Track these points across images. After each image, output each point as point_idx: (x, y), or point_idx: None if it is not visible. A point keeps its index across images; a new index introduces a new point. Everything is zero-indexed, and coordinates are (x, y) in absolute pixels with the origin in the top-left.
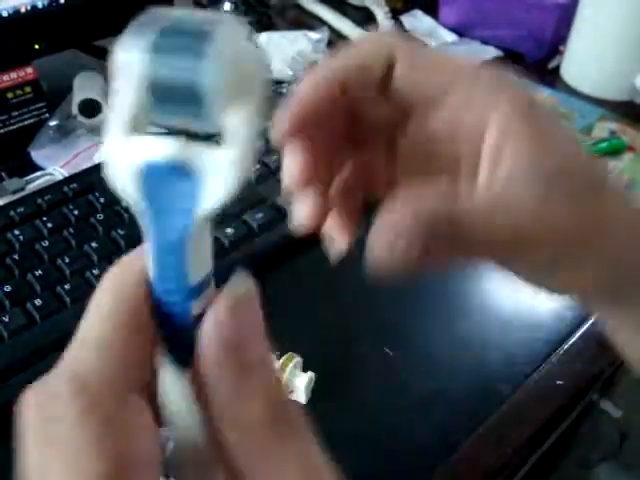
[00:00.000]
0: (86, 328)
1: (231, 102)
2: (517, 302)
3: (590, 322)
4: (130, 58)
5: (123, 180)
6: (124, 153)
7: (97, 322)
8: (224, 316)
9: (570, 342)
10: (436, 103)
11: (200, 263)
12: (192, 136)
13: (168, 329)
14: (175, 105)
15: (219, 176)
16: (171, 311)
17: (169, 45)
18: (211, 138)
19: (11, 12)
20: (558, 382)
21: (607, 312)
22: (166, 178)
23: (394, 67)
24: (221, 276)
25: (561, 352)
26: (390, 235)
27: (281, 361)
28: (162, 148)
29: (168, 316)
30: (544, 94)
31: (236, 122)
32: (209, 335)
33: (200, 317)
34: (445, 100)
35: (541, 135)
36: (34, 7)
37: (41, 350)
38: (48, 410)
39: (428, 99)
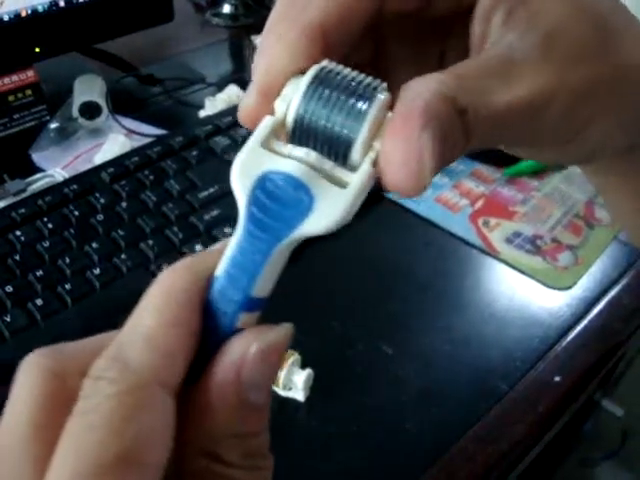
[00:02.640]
0: (137, 318)
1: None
2: (514, 299)
3: (587, 319)
4: (296, 86)
5: (241, 180)
6: (254, 158)
7: (147, 314)
8: (254, 355)
9: (567, 339)
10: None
11: (267, 281)
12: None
13: (207, 328)
14: (315, 143)
15: (328, 208)
16: (219, 315)
17: (334, 93)
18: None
19: (12, 16)
20: (555, 379)
21: (620, 181)
22: (281, 189)
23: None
24: None
25: (558, 349)
26: (404, 147)
27: None
28: (288, 165)
29: (213, 318)
30: None
31: (359, 171)
32: (227, 365)
33: (238, 331)
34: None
35: None
36: (34, 11)
37: None
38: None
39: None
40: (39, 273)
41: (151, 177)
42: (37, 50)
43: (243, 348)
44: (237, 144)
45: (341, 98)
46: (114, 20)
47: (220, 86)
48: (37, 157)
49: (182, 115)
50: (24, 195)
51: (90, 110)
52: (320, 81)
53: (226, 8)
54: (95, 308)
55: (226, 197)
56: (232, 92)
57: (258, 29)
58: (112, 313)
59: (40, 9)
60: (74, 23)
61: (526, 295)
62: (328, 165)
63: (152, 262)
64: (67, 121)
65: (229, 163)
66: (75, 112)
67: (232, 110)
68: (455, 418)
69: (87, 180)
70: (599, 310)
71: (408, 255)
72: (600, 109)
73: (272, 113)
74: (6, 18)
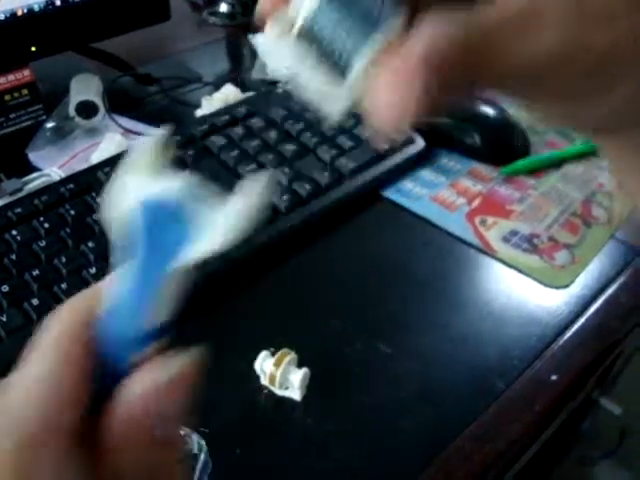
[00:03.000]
0: (23, 366)
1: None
2: (511, 297)
3: (585, 317)
4: None
5: (121, 210)
6: (132, 185)
7: (31, 364)
8: (153, 391)
9: (565, 337)
10: None
11: (159, 309)
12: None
13: (103, 367)
14: (318, 49)
15: (213, 230)
16: (114, 351)
17: (347, 8)
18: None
19: (8, 15)
20: (553, 377)
21: (631, 148)
22: (163, 216)
23: None
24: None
25: (555, 347)
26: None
27: (276, 357)
28: (171, 189)
29: (107, 357)
30: None
31: (246, 188)
32: (131, 402)
33: (135, 366)
34: None
35: None
36: (30, 10)
37: None
38: None
39: None
40: (35, 273)
41: None
42: (33, 49)
43: (147, 380)
44: (234, 143)
45: (353, 13)
46: (110, 19)
47: (217, 85)
48: (34, 156)
49: (179, 114)
50: (20, 194)
51: (87, 109)
52: None
53: (223, 7)
54: None
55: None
56: (229, 91)
57: (255, 28)
58: None
59: (36, 8)
60: (70, 22)
61: (523, 294)
62: (323, 69)
63: None
64: (63, 120)
65: (225, 163)
66: (72, 111)
67: (229, 109)
68: (452, 417)
69: (83, 179)
70: (596, 308)
71: (405, 254)
72: (624, 73)
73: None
74: (2, 17)
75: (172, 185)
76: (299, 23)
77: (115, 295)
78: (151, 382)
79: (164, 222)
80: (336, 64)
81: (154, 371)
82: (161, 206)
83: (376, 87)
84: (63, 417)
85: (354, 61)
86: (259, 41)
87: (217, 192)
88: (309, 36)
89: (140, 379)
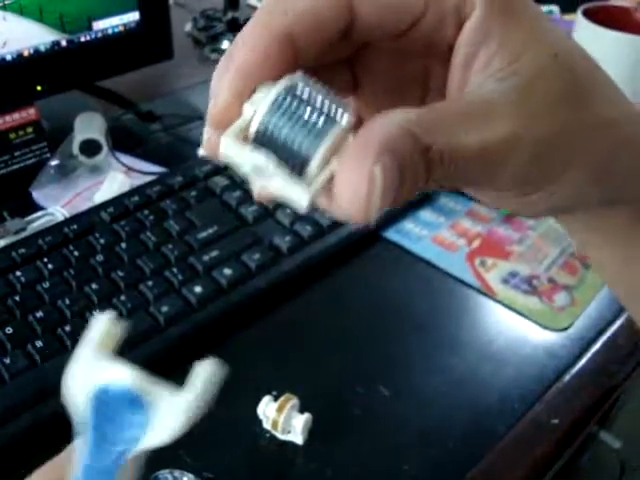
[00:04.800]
0: None
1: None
2: (511, 339)
3: (583, 361)
4: (264, 95)
5: (77, 397)
6: (89, 369)
7: None
8: None
9: (564, 381)
10: (404, 28)
11: None
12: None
13: None
14: (274, 151)
15: (168, 418)
16: None
17: (300, 108)
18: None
19: (15, 55)
20: (553, 421)
21: (601, 238)
22: (117, 405)
23: (355, 14)
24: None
25: (555, 390)
26: (357, 184)
27: (279, 402)
28: (124, 376)
29: None
30: None
31: (196, 375)
32: None
33: None
34: (418, 23)
35: (517, 35)
36: (37, 50)
37: (42, 392)
38: None
39: (395, 29)
40: (39, 314)
41: (151, 217)
42: (39, 88)
43: None
44: (236, 184)
45: (307, 113)
46: (115, 58)
47: None
48: (37, 195)
49: (181, 152)
50: (24, 234)
51: (90, 147)
52: (290, 92)
53: (225, 44)
54: None
55: (225, 238)
56: None
57: None
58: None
59: (42, 49)
60: (75, 62)
61: (523, 336)
62: (285, 173)
63: (151, 304)
64: (67, 158)
65: (228, 204)
66: (75, 149)
67: None
68: (453, 460)
69: (87, 220)
70: (595, 351)
71: (405, 295)
72: (569, 160)
73: (239, 115)
74: (9, 58)
75: (124, 372)
76: (254, 127)
77: (76, 473)
78: None
79: (116, 410)
80: (294, 162)
81: None
82: (113, 394)
83: (337, 184)
84: None
85: (312, 158)
86: (221, 146)
87: (163, 381)
88: (265, 138)
89: None
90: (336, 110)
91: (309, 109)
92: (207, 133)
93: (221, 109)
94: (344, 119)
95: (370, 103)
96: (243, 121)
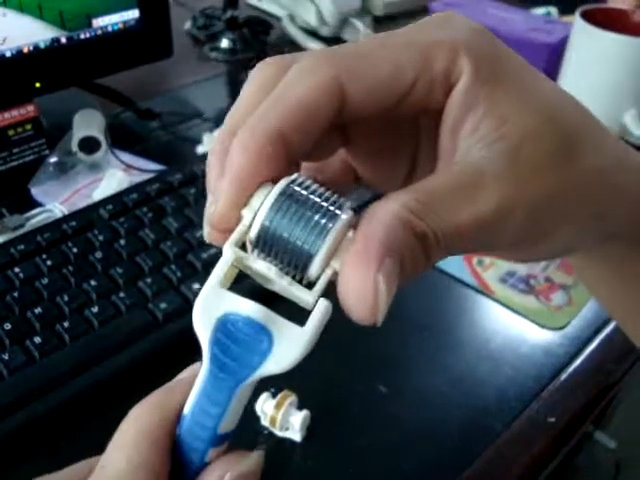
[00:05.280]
0: (108, 459)
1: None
2: (508, 338)
3: (580, 359)
4: (262, 200)
5: (202, 322)
6: (214, 299)
7: (118, 455)
8: None
9: (561, 379)
10: (395, 101)
11: (232, 418)
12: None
13: (178, 464)
14: (277, 255)
15: (287, 349)
16: (188, 451)
17: (299, 209)
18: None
19: (14, 52)
20: (550, 419)
21: (598, 271)
22: (241, 331)
23: (345, 96)
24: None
25: (552, 389)
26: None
27: (277, 399)
28: (248, 306)
29: (183, 454)
30: None
31: (314, 313)
32: None
33: (207, 464)
34: (408, 94)
35: (504, 100)
36: (36, 47)
37: (41, 388)
38: None
39: (386, 103)
40: (37, 310)
41: (149, 214)
42: (38, 85)
43: (216, 479)
44: None
45: (305, 215)
46: (114, 56)
47: (218, 121)
48: (36, 191)
49: (180, 150)
50: (23, 230)
51: (89, 145)
52: (287, 196)
53: (224, 42)
54: (93, 346)
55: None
56: None
57: (256, 64)
58: (110, 351)
59: (42, 45)
60: (75, 59)
61: (520, 335)
62: (285, 281)
63: (150, 300)
64: (66, 155)
65: None
66: (74, 146)
67: None
68: (451, 458)
69: (86, 217)
70: (592, 350)
71: (403, 295)
72: (563, 215)
73: (239, 222)
74: (8, 54)
75: (248, 303)
76: (254, 232)
77: (194, 397)
78: (221, 479)
79: (239, 338)
80: (297, 262)
81: (225, 468)
82: (238, 323)
83: (341, 288)
84: None
85: (313, 260)
86: (224, 254)
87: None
88: (266, 241)
89: (210, 477)
90: (334, 207)
91: (307, 209)
92: (207, 228)
93: (220, 217)
94: (342, 216)
95: (361, 157)
96: (243, 227)
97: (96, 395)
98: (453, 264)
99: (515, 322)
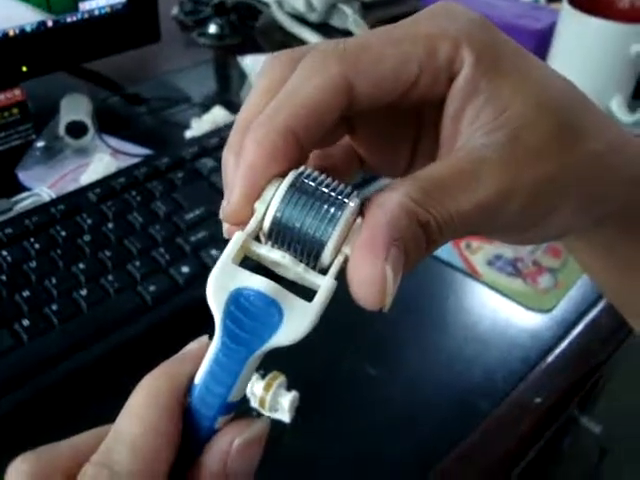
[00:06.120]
0: (122, 424)
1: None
2: (496, 321)
3: (567, 341)
4: (273, 192)
5: (216, 296)
6: (227, 274)
7: (132, 421)
8: (237, 448)
9: (547, 361)
10: (401, 93)
11: (242, 387)
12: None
13: (188, 431)
14: (289, 244)
15: (297, 322)
16: (198, 419)
17: (309, 199)
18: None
19: (0, 36)
20: (536, 400)
21: (589, 250)
22: (254, 305)
23: (353, 91)
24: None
25: (538, 370)
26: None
27: (266, 380)
28: (259, 282)
29: (193, 422)
30: None
31: (321, 290)
32: (218, 457)
33: (217, 431)
34: (414, 86)
35: (504, 89)
36: (22, 30)
37: (29, 371)
38: None
39: (392, 96)
40: (26, 294)
41: (138, 198)
42: (24, 69)
43: (227, 443)
44: None
45: (315, 205)
46: (101, 40)
47: (205, 106)
48: (23, 176)
49: (168, 135)
50: (10, 214)
51: (76, 129)
52: (296, 188)
53: (212, 28)
54: (82, 329)
55: (212, 219)
56: (218, 113)
57: (244, 49)
58: (99, 334)
59: (28, 29)
60: (61, 43)
61: (507, 317)
62: (300, 267)
63: (139, 283)
64: (53, 140)
65: (215, 185)
66: (61, 131)
67: (218, 132)
68: (438, 438)
69: (74, 200)
70: (578, 332)
71: None
72: (560, 198)
73: (252, 214)
74: None
75: (260, 279)
76: (267, 224)
77: (206, 366)
78: (232, 442)
79: (251, 311)
80: (309, 250)
81: (234, 433)
82: (250, 297)
83: (351, 276)
84: (162, 471)
85: (325, 246)
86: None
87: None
88: (279, 232)
89: (222, 440)
90: (342, 196)
91: (316, 200)
92: (225, 225)
93: (234, 210)
94: (350, 204)
95: (365, 144)
96: (256, 220)
97: (85, 378)
98: (442, 247)
99: (502, 305)
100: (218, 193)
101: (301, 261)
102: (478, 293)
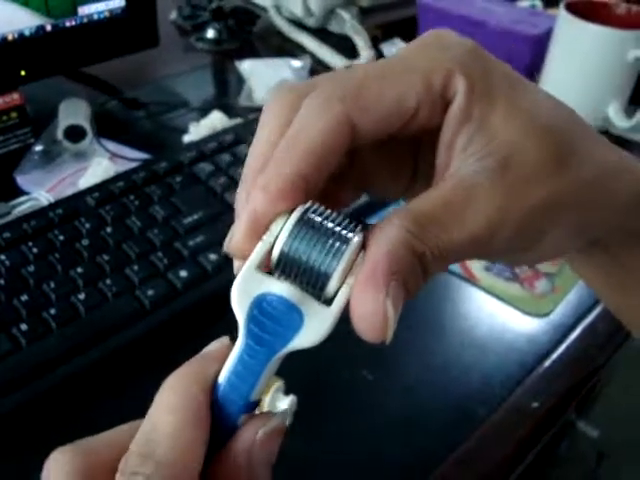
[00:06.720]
0: (158, 418)
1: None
2: (493, 325)
3: (564, 346)
4: (282, 227)
5: (240, 301)
6: (250, 281)
7: (168, 415)
8: (261, 439)
9: (545, 365)
10: (401, 126)
11: (262, 386)
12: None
13: (213, 429)
14: (297, 275)
15: (317, 326)
16: (222, 417)
17: (315, 233)
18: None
19: None
20: (533, 404)
21: (584, 270)
22: (276, 309)
23: (355, 129)
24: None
25: (536, 375)
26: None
27: None
28: (281, 288)
29: (217, 420)
30: None
31: (340, 293)
32: (243, 447)
33: (238, 427)
34: (413, 117)
35: (495, 117)
36: (21, 35)
37: (27, 375)
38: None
39: (393, 129)
40: (24, 298)
41: (136, 202)
42: (23, 73)
43: (252, 435)
44: (221, 171)
45: (320, 239)
46: (100, 44)
47: (204, 110)
48: (21, 180)
49: (166, 139)
50: (9, 218)
51: (75, 133)
52: (303, 223)
53: (210, 33)
54: (80, 333)
55: (210, 223)
56: (216, 118)
57: (242, 54)
58: (97, 338)
59: (27, 33)
60: (60, 47)
61: (505, 322)
62: (307, 297)
63: (137, 287)
64: (52, 144)
65: (213, 190)
66: (60, 135)
67: (216, 136)
68: (435, 443)
69: (72, 204)
70: (575, 337)
71: None
72: (551, 225)
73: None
74: None
75: (281, 284)
76: (275, 256)
77: (230, 366)
78: (256, 434)
79: (273, 314)
80: (315, 282)
81: (258, 425)
82: (272, 301)
83: (353, 310)
84: (198, 462)
85: (330, 279)
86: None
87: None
88: (286, 264)
89: (247, 431)
90: (346, 231)
91: (322, 234)
92: (235, 262)
93: (237, 245)
94: (355, 239)
95: (365, 170)
96: (263, 252)
97: (83, 382)
98: None
99: (500, 309)
100: (216, 198)
101: (307, 292)
102: (475, 298)
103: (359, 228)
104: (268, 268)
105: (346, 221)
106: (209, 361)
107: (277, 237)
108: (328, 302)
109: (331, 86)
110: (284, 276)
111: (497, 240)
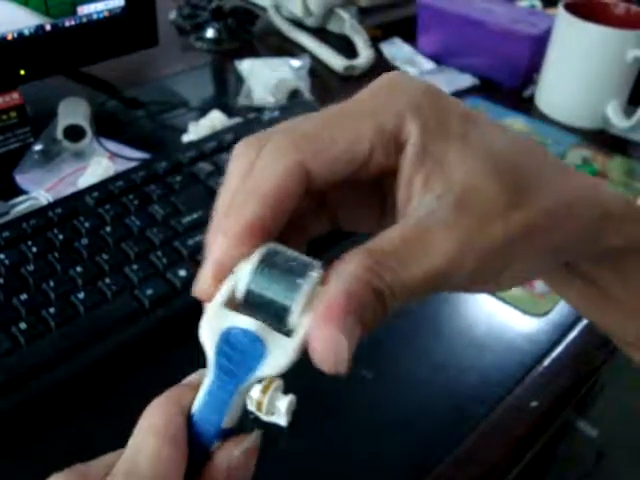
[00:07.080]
0: (140, 440)
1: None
2: (492, 325)
3: (563, 345)
4: (245, 267)
5: (209, 336)
6: (218, 317)
7: (149, 437)
8: (237, 459)
9: (543, 364)
10: (356, 169)
11: (234, 415)
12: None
13: (191, 450)
14: (261, 311)
15: (279, 356)
16: (199, 443)
17: (276, 272)
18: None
19: None
20: (532, 404)
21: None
22: (241, 342)
23: (310, 174)
24: None
25: (534, 374)
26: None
27: (263, 384)
28: (245, 322)
29: (195, 443)
30: (520, 121)
31: (300, 326)
32: (221, 468)
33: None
34: (368, 161)
35: (451, 155)
36: (20, 34)
37: (26, 374)
38: None
39: (348, 172)
40: (23, 297)
41: (135, 202)
42: (22, 73)
43: (228, 456)
44: (220, 171)
45: (281, 276)
46: (99, 44)
47: (203, 110)
48: (21, 179)
49: (165, 139)
50: (8, 217)
51: (74, 133)
52: (265, 262)
53: (209, 32)
54: (79, 332)
55: (209, 223)
56: (215, 117)
57: (241, 54)
58: (96, 337)
59: (26, 32)
60: (60, 47)
61: (503, 321)
62: (270, 329)
63: (136, 287)
64: (51, 143)
65: (212, 189)
66: (59, 134)
67: (215, 136)
68: (435, 442)
69: (72, 204)
70: (574, 336)
71: None
72: (512, 257)
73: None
74: None
75: (246, 319)
76: (240, 294)
77: (202, 397)
78: (232, 455)
79: (238, 346)
80: (277, 314)
81: (233, 447)
82: (238, 334)
83: (311, 344)
84: None
85: (290, 312)
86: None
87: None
88: (250, 300)
89: (224, 453)
90: (306, 269)
91: (283, 272)
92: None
93: (202, 289)
94: (313, 274)
95: (333, 208)
96: (228, 291)
97: (82, 381)
98: None
99: (498, 309)
100: (215, 197)
101: (270, 325)
102: (474, 297)
103: (319, 265)
104: (234, 306)
105: (306, 259)
106: (187, 390)
107: (240, 276)
108: (290, 334)
109: (285, 135)
110: (248, 312)
111: (458, 276)
